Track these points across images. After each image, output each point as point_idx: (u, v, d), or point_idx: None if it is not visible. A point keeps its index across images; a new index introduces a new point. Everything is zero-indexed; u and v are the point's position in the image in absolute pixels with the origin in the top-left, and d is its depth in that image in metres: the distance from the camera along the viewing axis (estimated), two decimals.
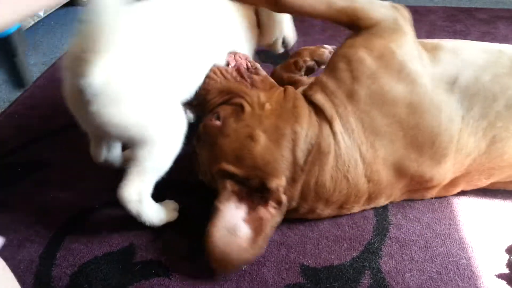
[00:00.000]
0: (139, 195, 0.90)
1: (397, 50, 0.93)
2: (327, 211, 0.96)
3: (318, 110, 0.95)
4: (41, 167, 1.15)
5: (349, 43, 0.99)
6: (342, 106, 0.93)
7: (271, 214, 0.87)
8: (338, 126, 0.92)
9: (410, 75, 0.92)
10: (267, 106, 0.95)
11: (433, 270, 0.89)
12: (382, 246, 0.94)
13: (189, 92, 0.99)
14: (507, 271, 0.89)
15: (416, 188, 0.99)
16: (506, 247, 0.93)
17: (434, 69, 0.95)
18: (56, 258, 0.92)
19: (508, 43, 1.48)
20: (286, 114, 0.94)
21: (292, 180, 0.90)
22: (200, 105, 1.01)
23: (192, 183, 0.98)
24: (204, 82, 1.00)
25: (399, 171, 0.94)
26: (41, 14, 1.60)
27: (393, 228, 0.98)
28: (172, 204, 1.00)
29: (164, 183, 0.92)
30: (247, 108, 0.94)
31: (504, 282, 0.87)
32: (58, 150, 1.20)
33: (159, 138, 0.89)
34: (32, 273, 0.89)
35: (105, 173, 1.09)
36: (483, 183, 1.01)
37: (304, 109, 0.94)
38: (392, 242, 0.94)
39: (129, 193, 0.89)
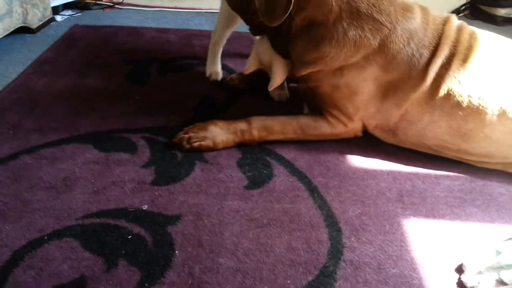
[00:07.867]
0: None
1: None
2: None
3: None
4: None
5: None
6: None
7: None
8: None
9: None
10: None
11: None
12: (337, 269, 0.95)
13: None
14: None
15: None
16: (455, 267, 0.96)
17: None
18: None
19: None
20: None
21: None
22: None
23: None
24: None
25: None
26: None
27: (347, 251, 0.99)
28: None
29: None
30: None
31: None
32: (4, 180, 1.15)
33: None
34: None
35: (51, 203, 1.06)
36: None
37: None
38: (347, 265, 0.96)
39: None
